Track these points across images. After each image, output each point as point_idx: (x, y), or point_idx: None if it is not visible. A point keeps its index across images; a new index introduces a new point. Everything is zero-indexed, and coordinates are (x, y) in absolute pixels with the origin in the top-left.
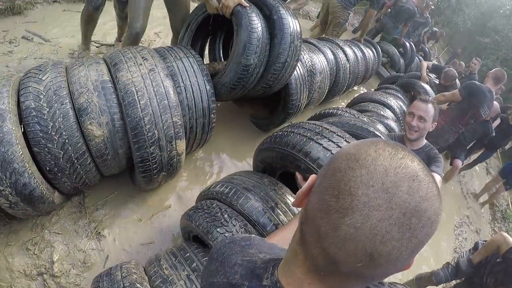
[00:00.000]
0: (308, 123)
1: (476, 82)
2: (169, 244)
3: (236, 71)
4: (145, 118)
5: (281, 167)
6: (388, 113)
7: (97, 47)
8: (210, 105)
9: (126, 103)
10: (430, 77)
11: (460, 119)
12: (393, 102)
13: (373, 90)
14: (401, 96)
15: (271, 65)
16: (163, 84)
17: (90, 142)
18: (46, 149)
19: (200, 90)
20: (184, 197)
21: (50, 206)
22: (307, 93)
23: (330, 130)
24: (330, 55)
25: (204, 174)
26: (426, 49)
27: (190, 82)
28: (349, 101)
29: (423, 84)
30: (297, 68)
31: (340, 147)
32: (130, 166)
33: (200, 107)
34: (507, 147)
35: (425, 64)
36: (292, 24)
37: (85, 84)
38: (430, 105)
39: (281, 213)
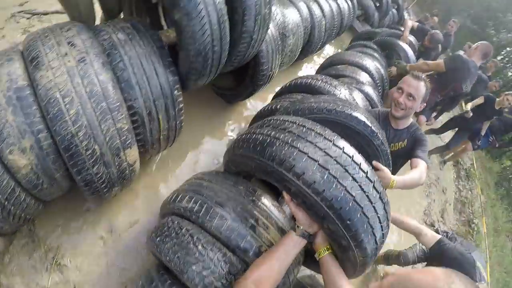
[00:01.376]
0: (295, 123)
1: (463, 56)
2: (141, 263)
3: (188, 61)
4: (78, 134)
5: (262, 179)
6: (365, 77)
7: (27, 19)
8: (169, 79)
9: (51, 116)
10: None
11: (440, 90)
12: (370, 64)
13: (347, 47)
14: (378, 57)
15: (234, 46)
16: (98, 79)
17: (17, 175)
18: None
19: (152, 61)
20: (151, 199)
21: None
22: (279, 60)
23: (325, 137)
24: (305, 10)
25: (174, 165)
26: (400, 2)
27: (136, 52)
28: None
29: (404, 45)
30: (268, 31)
31: (338, 163)
32: (74, 184)
33: (157, 83)
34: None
35: (409, 23)
36: None
37: None
38: (422, 83)
39: (263, 231)
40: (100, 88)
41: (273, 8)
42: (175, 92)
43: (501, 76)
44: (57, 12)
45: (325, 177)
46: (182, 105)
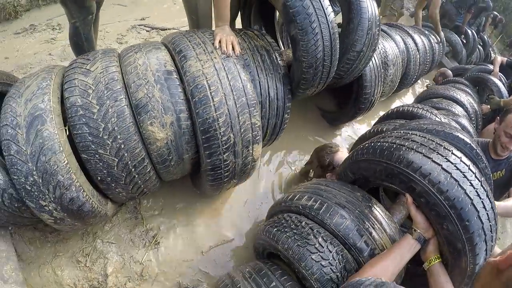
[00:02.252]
0: (415, 134)
1: None
2: (236, 257)
3: (300, 72)
4: (219, 119)
5: (382, 184)
6: (459, 110)
7: (147, 31)
8: (286, 104)
9: (197, 99)
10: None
11: None
12: (465, 98)
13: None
14: (470, 92)
15: (344, 53)
16: (240, 77)
17: (151, 146)
18: (97, 156)
19: (276, 86)
20: (250, 200)
21: (103, 219)
22: (381, 87)
23: (445, 147)
24: (401, 44)
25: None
26: (486, 38)
27: (265, 75)
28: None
29: (496, 80)
30: (372, 58)
31: (458, 169)
32: (194, 170)
33: (275, 105)
34: None
35: (499, 59)
36: (371, 8)
37: (144, 75)
38: None
39: (377, 236)
40: (242, 85)
41: None
42: (287, 103)
43: None
44: (174, 29)
45: (448, 179)
46: (288, 116)
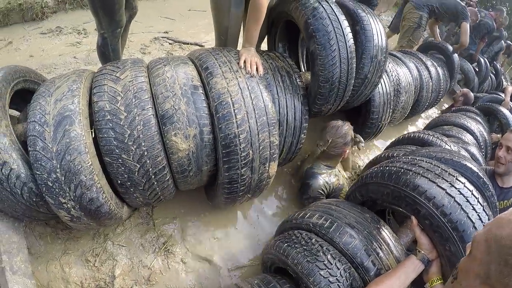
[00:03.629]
0: (423, 160)
1: None
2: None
3: (317, 86)
4: (240, 136)
5: (389, 206)
6: (469, 138)
7: (170, 44)
8: (303, 124)
9: (220, 115)
10: None
11: None
12: (475, 127)
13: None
14: (481, 121)
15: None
16: (262, 97)
17: (172, 156)
18: (120, 160)
19: (294, 106)
20: (262, 215)
21: (117, 222)
22: (390, 113)
23: (450, 173)
24: (415, 71)
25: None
26: (498, 66)
27: (284, 95)
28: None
29: (505, 111)
30: (382, 84)
31: (461, 193)
32: (210, 182)
33: (292, 125)
34: None
35: (510, 89)
36: (376, 36)
37: (171, 87)
38: None
39: (384, 257)
40: (263, 104)
41: (390, 65)
42: (304, 123)
43: None
44: (196, 44)
45: (451, 203)
46: (304, 136)
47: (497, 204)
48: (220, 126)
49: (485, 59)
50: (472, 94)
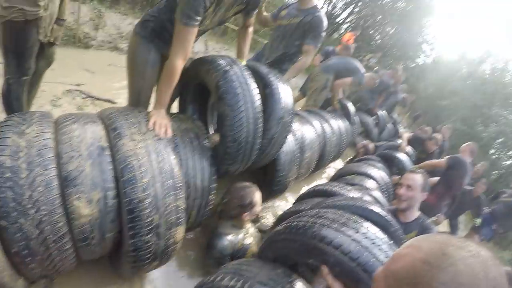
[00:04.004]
0: (328, 211)
1: (460, 156)
2: None
3: (225, 146)
4: (145, 201)
5: (300, 259)
6: (372, 184)
7: (82, 98)
8: (211, 185)
9: (126, 179)
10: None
11: (448, 192)
12: (376, 173)
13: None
14: (381, 167)
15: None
16: (169, 160)
17: (74, 222)
18: (17, 225)
19: (202, 167)
20: (174, 281)
21: None
22: (296, 169)
23: (354, 220)
24: (319, 128)
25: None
26: (395, 117)
27: (192, 156)
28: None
29: (401, 157)
30: (287, 143)
31: (367, 237)
32: (115, 250)
33: (200, 186)
34: None
35: (405, 135)
36: (284, 99)
37: (77, 147)
38: (419, 175)
39: None
40: (170, 167)
41: (295, 124)
42: (212, 184)
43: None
44: (109, 101)
45: (358, 248)
46: (213, 197)
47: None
48: (125, 190)
49: (383, 111)
50: (371, 145)
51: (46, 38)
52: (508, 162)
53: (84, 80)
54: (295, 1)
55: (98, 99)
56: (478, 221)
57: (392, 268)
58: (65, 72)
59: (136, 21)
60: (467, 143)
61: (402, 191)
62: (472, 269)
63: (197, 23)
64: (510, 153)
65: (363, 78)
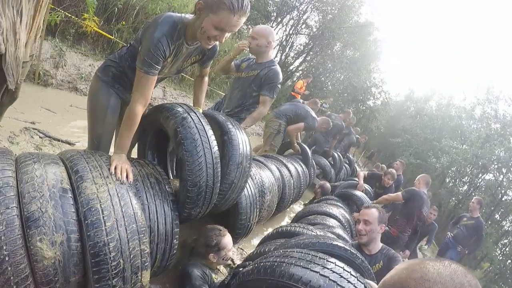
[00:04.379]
0: (294, 250)
1: (415, 188)
2: None
3: (186, 191)
4: (110, 244)
5: None
6: (333, 222)
7: (40, 137)
8: (174, 229)
9: (89, 222)
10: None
11: (408, 223)
12: (336, 211)
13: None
14: (341, 205)
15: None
16: (131, 204)
17: (37, 264)
18: None
19: (164, 211)
20: None
21: None
22: (257, 212)
23: (320, 257)
24: (276, 172)
25: None
26: (350, 157)
27: (154, 201)
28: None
29: (358, 194)
30: (247, 187)
31: (334, 271)
32: None
33: (163, 231)
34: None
35: (361, 174)
36: (242, 145)
37: (39, 187)
38: (374, 209)
39: None
40: (133, 211)
41: (254, 169)
42: (175, 229)
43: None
44: (67, 142)
45: (327, 282)
46: (177, 242)
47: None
48: (88, 233)
49: (338, 153)
50: (328, 185)
51: (13, 85)
52: (464, 188)
53: (42, 119)
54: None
55: (56, 139)
56: (425, 246)
57: (382, 280)
58: (23, 108)
59: (97, 63)
60: (420, 175)
61: (360, 226)
62: (438, 273)
63: (157, 71)
64: (464, 179)
65: (315, 122)
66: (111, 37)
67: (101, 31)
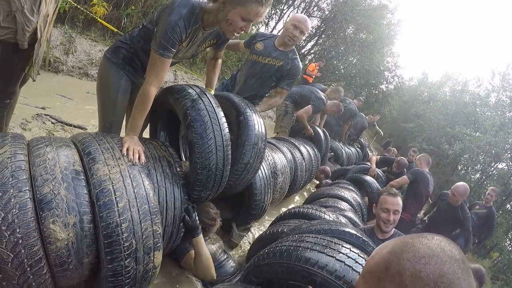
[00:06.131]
0: (309, 236)
1: (418, 168)
2: None
3: (195, 173)
4: (122, 225)
5: (285, 282)
6: (345, 205)
7: (52, 123)
8: (183, 212)
9: (101, 203)
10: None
11: (419, 206)
12: (348, 195)
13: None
14: (353, 189)
15: (232, 165)
16: (144, 185)
17: (50, 246)
18: None
19: (174, 195)
20: None
21: None
22: (271, 194)
23: (335, 242)
24: (288, 154)
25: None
26: (362, 141)
27: (164, 184)
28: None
29: (369, 180)
30: (261, 168)
31: (349, 257)
32: (92, 276)
33: (172, 213)
34: None
35: (374, 158)
36: (257, 126)
37: (52, 170)
38: (398, 198)
39: None
40: (145, 192)
41: (266, 151)
42: (184, 212)
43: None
44: (79, 126)
45: (343, 267)
46: (182, 232)
47: None
48: (101, 214)
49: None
50: (328, 168)
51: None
52: (476, 176)
53: (54, 104)
54: (271, 35)
55: (68, 124)
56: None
57: (366, 269)
58: (35, 95)
59: (107, 48)
60: (420, 155)
61: (391, 217)
62: (428, 247)
63: (172, 54)
64: (477, 167)
65: (320, 102)
66: (115, 29)
67: (107, 24)
